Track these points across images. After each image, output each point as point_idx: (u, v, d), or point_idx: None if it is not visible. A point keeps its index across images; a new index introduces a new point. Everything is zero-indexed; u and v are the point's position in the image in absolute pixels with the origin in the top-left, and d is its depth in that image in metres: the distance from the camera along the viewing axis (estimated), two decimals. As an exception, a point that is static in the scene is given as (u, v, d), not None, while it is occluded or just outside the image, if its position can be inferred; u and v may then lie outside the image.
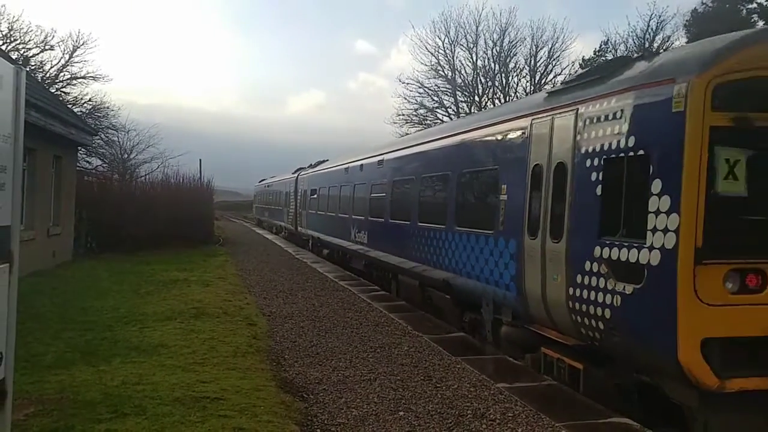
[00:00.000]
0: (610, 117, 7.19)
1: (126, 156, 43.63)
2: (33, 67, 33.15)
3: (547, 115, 8.57)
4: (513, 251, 9.01)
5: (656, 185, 6.33)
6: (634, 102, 6.90)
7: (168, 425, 5.76)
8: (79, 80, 37.39)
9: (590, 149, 7.47)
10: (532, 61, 42.83)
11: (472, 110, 43.79)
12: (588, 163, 7.47)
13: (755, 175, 6.07)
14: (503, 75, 43.68)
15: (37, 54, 35.05)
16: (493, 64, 43.65)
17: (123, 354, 8.31)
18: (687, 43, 36.50)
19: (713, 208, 6.00)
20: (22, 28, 34.22)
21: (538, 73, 42.82)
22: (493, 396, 7.30)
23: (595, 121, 7.48)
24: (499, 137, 9.98)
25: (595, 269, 7.12)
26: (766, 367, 6.04)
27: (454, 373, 8.22)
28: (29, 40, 34.34)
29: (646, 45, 37.92)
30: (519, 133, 9.26)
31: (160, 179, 33.26)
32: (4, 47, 30.26)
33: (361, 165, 18.96)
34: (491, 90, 43.88)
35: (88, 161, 36.24)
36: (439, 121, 44.52)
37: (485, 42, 43.50)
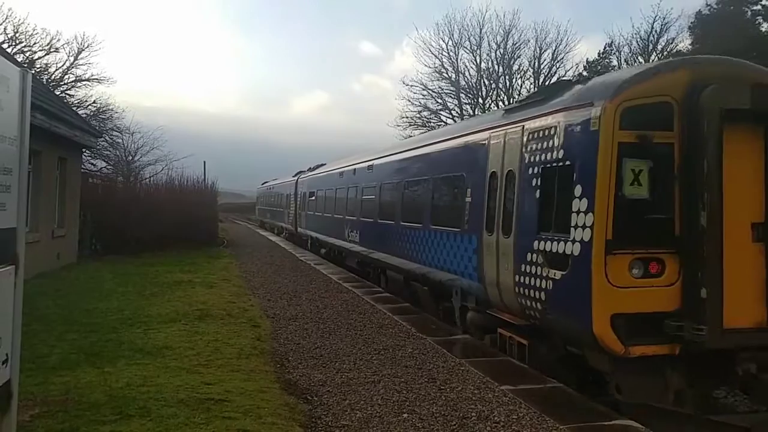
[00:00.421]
0: (547, 133, 8.62)
1: (130, 158, 43.73)
2: (38, 70, 33.25)
3: (501, 130, 10.07)
4: (475, 246, 10.47)
5: (577, 190, 7.72)
6: (564, 121, 8.31)
7: (172, 427, 5.77)
8: (84, 82, 37.51)
9: (532, 159, 8.91)
10: (536, 64, 42.87)
11: (476, 112, 43.78)
12: (530, 170, 8.93)
13: (655, 181, 7.43)
14: (507, 77, 43.69)
15: (43, 56, 35.21)
16: (496, 67, 43.67)
17: (127, 356, 8.32)
18: (691, 45, 36.50)
19: (621, 209, 7.34)
20: (28, 31, 34.32)
21: (542, 75, 42.81)
22: (497, 398, 7.29)
23: (536, 135, 8.92)
24: (465, 148, 11.59)
25: (534, 259, 8.51)
26: (663, 336, 7.28)
27: (458, 376, 8.21)
28: (35, 43, 34.48)
29: (650, 47, 37.89)
30: (480, 144, 10.82)
31: (164, 181, 33.37)
32: (9, 50, 30.34)
33: (354, 169, 20.30)
34: (495, 92, 43.87)
35: (92, 163, 36.36)
36: (442, 123, 44.50)
37: (489, 44, 43.54)
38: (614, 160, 7.37)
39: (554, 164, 8.37)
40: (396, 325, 11.42)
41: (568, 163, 8.09)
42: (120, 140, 41.88)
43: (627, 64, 39.45)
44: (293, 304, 13.54)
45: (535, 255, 8.50)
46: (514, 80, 43.77)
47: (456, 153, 12.06)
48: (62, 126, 17.46)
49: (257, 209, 56.61)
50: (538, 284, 8.38)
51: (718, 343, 7.07)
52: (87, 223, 22.84)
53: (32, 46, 34.38)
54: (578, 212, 7.64)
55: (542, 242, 8.36)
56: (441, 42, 44.38)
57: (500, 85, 43.81)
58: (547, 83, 42.47)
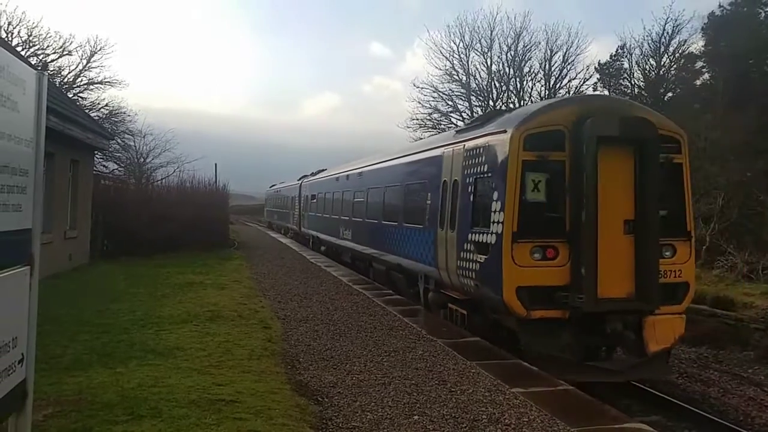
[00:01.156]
0: (478, 151, 11.17)
1: (142, 160, 43.92)
2: (51, 73, 33.48)
3: (450, 147, 12.71)
4: (432, 239, 13.00)
5: (495, 195, 10.20)
6: (488, 142, 10.86)
7: (184, 427, 5.80)
8: (96, 85, 37.74)
9: (469, 171, 11.45)
10: (547, 66, 42.64)
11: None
12: (467, 180, 11.46)
13: (550, 189, 9.90)
14: (518, 79, 43.52)
15: (56, 59, 35.43)
16: (507, 69, 43.48)
17: (139, 356, 8.37)
18: (704, 47, 36.28)
19: (524, 209, 9.79)
20: (41, 34, 34.59)
21: (553, 78, 42.61)
22: (507, 400, 7.28)
23: (472, 153, 11.44)
24: (427, 160, 14.18)
25: (469, 248, 10.98)
26: (555, 304, 9.60)
27: (469, 378, 8.21)
28: (48, 46, 34.72)
29: (662, 49, 37.63)
30: (437, 158, 13.34)
31: (175, 183, 33.50)
32: (23, 53, 30.60)
33: (347, 175, 22.93)
34: (506, 94, 43.70)
35: (104, 165, 36.58)
36: (453, 125, 44.43)
37: (500, 46, 43.32)
38: (519, 173, 9.84)
39: (481, 175, 10.98)
40: (406, 327, 11.42)
41: (489, 174, 10.67)
42: (132, 143, 42.09)
43: (638, 66, 39.30)
44: (304, 306, 13.57)
45: (469, 244, 11.01)
46: (524, 82, 43.62)
47: (421, 165, 14.71)
48: (75, 128, 17.58)
49: (266, 211, 59.28)
50: (471, 267, 10.92)
51: (593, 308, 9.49)
52: (99, 224, 22.97)
53: (45, 49, 34.65)
54: (495, 212, 10.14)
55: (474, 235, 10.87)
56: (452, 44, 44.30)
57: (511, 88, 43.67)
58: (558, 85, 42.41)
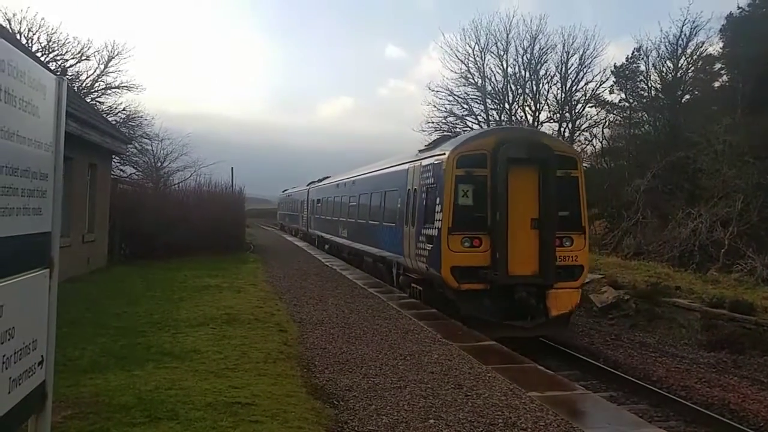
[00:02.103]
0: (429, 167, 14.62)
1: (159, 164, 44.20)
2: (70, 78, 33.84)
3: (413, 163, 16.20)
4: (401, 234, 16.35)
5: (437, 200, 13.64)
6: (434, 161, 14.38)
7: (200, 430, 5.82)
8: (114, 90, 38.06)
9: (423, 182, 14.92)
10: (563, 68, 42.47)
11: (502, 118, 43.54)
12: (422, 188, 14.94)
13: (476, 196, 13.26)
14: (534, 82, 43.39)
15: (74, 65, 35.82)
16: (523, 72, 43.37)
17: (156, 359, 8.42)
18: (722, 49, 35.98)
19: (457, 211, 13.21)
20: (60, 40, 34.98)
21: (569, 80, 42.44)
22: (524, 405, 7.24)
23: (425, 168, 14.91)
24: (399, 172, 17.43)
25: (422, 240, 14.47)
26: (479, 279, 12.99)
27: (485, 382, 8.17)
28: (66, 52, 35.09)
29: (679, 51, 37.35)
30: (405, 170, 16.76)
31: (192, 187, 33.70)
32: (43, 58, 30.97)
33: (344, 182, 26.53)
34: (521, 97, 43.60)
35: (122, 169, 36.82)
36: (468, 128, 44.35)
37: (516, 49, 43.24)
38: (453, 184, 13.27)
39: (430, 186, 14.40)
40: (422, 331, 11.40)
41: (434, 185, 14.11)
42: (149, 147, 42.36)
43: (655, 68, 39.04)
44: (319, 309, 13.59)
45: (423, 237, 14.53)
46: (541, 85, 43.49)
47: (394, 176, 17.95)
48: (93, 133, 17.75)
49: (278, 214, 62.80)
50: (423, 253, 14.42)
51: (505, 281, 12.90)
52: (116, 228, 23.16)
53: (64, 55, 35.02)
54: (437, 212, 13.63)
55: (425, 229, 14.39)
56: (467, 47, 44.28)
57: (527, 91, 43.54)
58: (574, 88, 42.26)
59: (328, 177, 33.94)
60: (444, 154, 13.95)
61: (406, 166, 16.91)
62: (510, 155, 13.12)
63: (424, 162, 15.14)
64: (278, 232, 55.38)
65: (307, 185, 39.79)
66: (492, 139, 13.72)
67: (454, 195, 13.28)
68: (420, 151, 16.93)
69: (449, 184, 13.31)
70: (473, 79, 43.84)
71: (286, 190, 56.44)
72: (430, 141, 18.21)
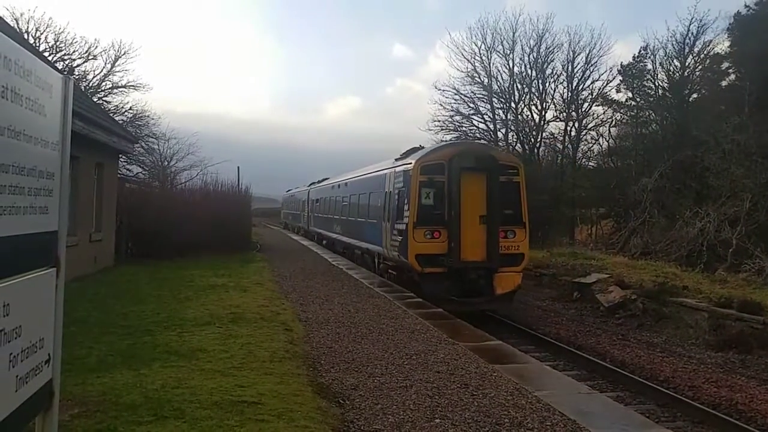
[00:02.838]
0: (400, 173, 17.52)
1: (166, 163, 44.35)
2: (77, 77, 33.95)
3: (389, 169, 19.14)
4: (380, 229, 19.32)
5: (406, 201, 16.45)
6: (404, 169, 17.33)
7: (207, 429, 5.83)
8: (121, 89, 38.17)
9: (396, 186, 17.74)
10: (570, 67, 42.27)
11: (508, 117, 43.42)
12: (396, 191, 17.84)
13: (436, 198, 16.11)
14: (540, 81, 43.18)
15: (81, 64, 35.94)
16: (529, 71, 43.12)
17: (163, 358, 8.43)
18: (729, 48, 35.80)
19: (421, 209, 16.07)
20: (68, 39, 35.10)
21: (576, 79, 42.25)
22: (530, 404, 7.22)
23: (398, 174, 17.79)
24: (380, 176, 20.30)
25: (395, 233, 17.42)
26: (438, 264, 15.83)
27: (491, 381, 8.16)
28: (74, 51, 35.23)
29: (686, 50, 37.15)
30: (384, 175, 19.67)
31: (199, 187, 33.78)
32: (50, 58, 31.08)
33: (338, 184, 29.59)
34: (528, 96, 43.38)
35: (128, 169, 36.96)
36: (474, 128, 44.30)
37: (522, 48, 43.01)
38: (418, 188, 16.30)
39: (401, 189, 17.36)
40: (427, 331, 11.40)
41: (404, 188, 17.10)
42: (156, 146, 42.52)
43: (662, 67, 38.84)
44: (325, 308, 13.60)
45: (395, 231, 17.57)
46: (547, 84, 43.25)
47: (376, 179, 20.82)
48: (100, 132, 17.80)
49: (282, 213, 65.47)
50: (396, 244, 17.52)
51: (458, 266, 15.95)
52: (123, 227, 23.23)
53: (71, 54, 35.16)
54: (406, 211, 16.65)
55: (397, 224, 17.36)
56: (473, 46, 44.08)
57: (533, 90, 43.34)
58: (581, 87, 42.10)
59: (327, 178, 36.50)
60: (411, 163, 17.15)
61: (385, 172, 19.82)
62: (462, 165, 16.32)
63: (398, 169, 18.28)
64: (285, 231, 55.53)
65: (308, 186, 42.57)
66: (448, 151, 17.04)
67: (418, 196, 16.39)
68: (396, 159, 19.83)
69: (414, 188, 16.45)
70: (479, 78, 43.71)
71: (289, 190, 59.06)
72: (404, 151, 20.73)
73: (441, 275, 16.07)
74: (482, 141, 41.41)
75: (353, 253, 25.45)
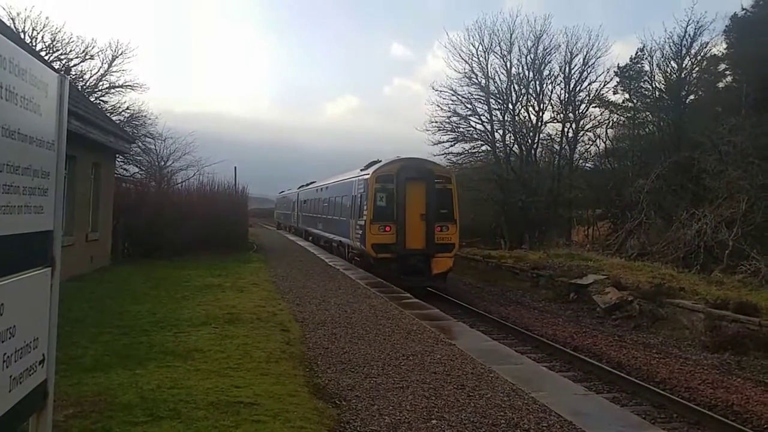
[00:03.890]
0: (363, 181, 22.39)
1: (163, 163, 44.25)
2: (74, 77, 33.87)
3: (356, 177, 23.90)
4: (349, 225, 24.22)
5: (366, 203, 21.59)
6: (365, 178, 22.27)
7: (202, 429, 5.82)
8: (118, 89, 38.06)
9: (359, 190, 22.72)
10: (567, 69, 42.30)
11: (506, 118, 43.44)
12: (359, 195, 22.83)
13: (388, 200, 21.22)
14: (537, 82, 43.20)
15: (78, 64, 35.80)
16: (527, 72, 43.12)
17: (158, 358, 8.42)
18: (726, 50, 35.89)
19: (376, 209, 21.23)
20: (64, 39, 35.01)
21: (573, 81, 42.28)
22: (526, 405, 7.22)
23: (361, 181, 22.69)
24: (349, 182, 25.11)
25: (358, 227, 22.36)
26: (389, 251, 20.79)
27: (488, 382, 8.15)
28: (71, 51, 35.08)
29: (683, 51, 37.20)
30: (352, 182, 24.37)
31: (196, 187, 33.72)
32: (47, 57, 31.00)
33: (321, 187, 34.61)
34: (525, 98, 43.38)
35: (125, 168, 36.86)
36: (472, 129, 44.33)
37: (519, 49, 43.01)
38: (373, 193, 21.06)
39: (363, 193, 21.87)
40: (424, 331, 11.39)
41: (365, 193, 21.60)
42: (152, 146, 42.41)
43: (659, 69, 38.93)
44: (322, 309, 13.58)
45: (358, 226, 22.17)
46: (544, 85, 43.26)
47: (346, 184, 25.96)
48: (96, 132, 17.76)
49: (275, 213, 69.19)
50: (358, 236, 22.11)
51: (403, 253, 20.73)
52: (120, 227, 23.18)
53: (68, 54, 34.99)
54: (365, 210, 21.31)
55: (359, 221, 21.92)
56: (471, 47, 44.05)
57: (530, 91, 43.34)
58: (578, 88, 42.15)
59: (313, 182, 40.62)
60: (369, 174, 22.03)
61: (352, 179, 24.99)
62: (407, 176, 21.32)
63: (360, 178, 23.27)
64: (280, 231, 55.55)
65: (298, 188, 47.30)
66: (396, 165, 21.88)
67: (374, 199, 21.29)
68: (360, 170, 24.55)
69: (371, 193, 21.33)
70: (477, 78, 43.68)
71: (282, 192, 63.24)
72: (367, 163, 24.81)
73: (391, 259, 20.95)
74: (482, 142, 41.60)
75: (331, 245, 29.81)
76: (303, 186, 44.43)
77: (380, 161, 23.83)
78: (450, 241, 21.24)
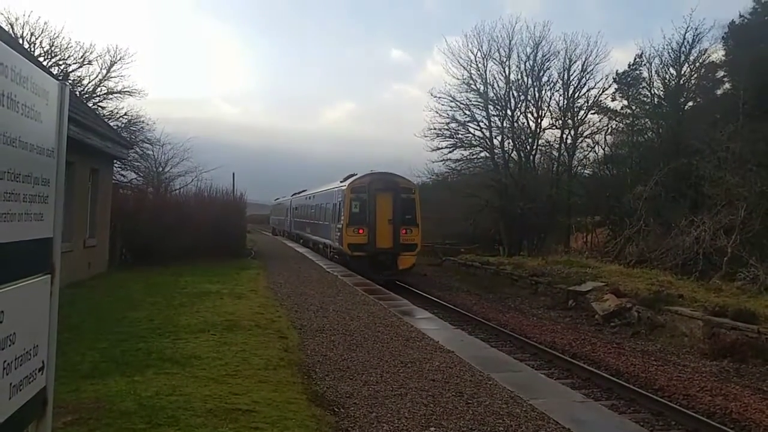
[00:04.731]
0: (340, 191, 27.02)
1: (161, 169, 44.23)
2: (72, 82, 33.87)
3: (336, 188, 28.78)
4: (330, 228, 28.85)
5: (343, 210, 25.98)
6: (343, 188, 26.86)
7: (201, 437, 5.80)
8: (116, 95, 38.05)
9: (338, 199, 27.29)
10: (566, 75, 42.38)
11: (504, 125, 43.50)
12: (338, 202, 27.24)
13: (362, 208, 25.66)
14: (536, 89, 43.28)
15: (76, 69, 35.83)
16: (525, 78, 43.18)
17: (157, 365, 8.40)
18: (724, 56, 36.06)
19: (351, 215, 25.95)
20: (63, 44, 34.98)
21: (572, 87, 42.37)
22: (525, 413, 7.21)
23: (338, 191, 27.52)
24: (331, 192, 29.87)
25: (338, 230, 26.65)
26: (362, 250, 25.19)
27: (486, 389, 8.15)
28: (69, 56, 35.11)
29: (682, 58, 37.33)
30: (333, 192, 29.14)
31: (193, 192, 33.72)
32: (45, 63, 31.03)
33: (309, 195, 38.67)
34: (524, 104, 43.45)
35: (123, 174, 36.81)
36: (470, 135, 44.38)
37: (518, 56, 43.11)
38: (349, 202, 25.56)
39: (341, 201, 26.24)
40: (423, 338, 11.38)
41: (342, 201, 26.03)
42: (150, 152, 42.36)
43: (658, 75, 39.06)
44: (320, 316, 13.57)
45: (337, 229, 26.61)
46: (543, 92, 43.35)
47: (329, 194, 30.17)
48: (94, 137, 17.76)
49: (270, 219, 72.04)
50: (337, 237, 26.58)
51: (374, 252, 25.14)
52: (117, 233, 23.16)
53: (66, 59, 35.02)
54: (342, 216, 25.76)
55: (338, 225, 26.49)
56: (470, 53, 44.08)
57: (529, 97, 43.43)
58: (577, 95, 42.26)
59: (304, 190, 44.12)
60: (346, 185, 26.39)
61: (333, 189, 29.42)
62: (376, 187, 25.65)
63: (339, 189, 27.58)
64: (278, 237, 55.58)
65: (291, 195, 50.69)
66: (368, 179, 26.30)
67: (350, 207, 25.58)
68: (340, 181, 28.61)
69: (347, 201, 25.65)
70: (475, 85, 43.72)
71: (277, 199, 66.75)
72: (345, 176, 28.84)
73: (363, 257, 25.10)
74: (481, 148, 41.87)
75: (318, 246, 33.83)
76: (295, 194, 47.90)
77: (356, 174, 27.79)
78: (413, 242, 25.54)
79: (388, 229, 25.05)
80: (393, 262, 25.02)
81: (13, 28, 31.89)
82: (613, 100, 42.08)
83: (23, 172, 3.31)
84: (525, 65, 42.96)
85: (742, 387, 12.03)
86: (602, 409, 8.47)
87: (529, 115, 43.55)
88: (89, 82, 36.99)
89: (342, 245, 25.53)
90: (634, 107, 41.27)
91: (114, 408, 6.48)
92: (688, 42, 36.77)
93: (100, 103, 36.87)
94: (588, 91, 42.33)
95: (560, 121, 42.92)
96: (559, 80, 42.78)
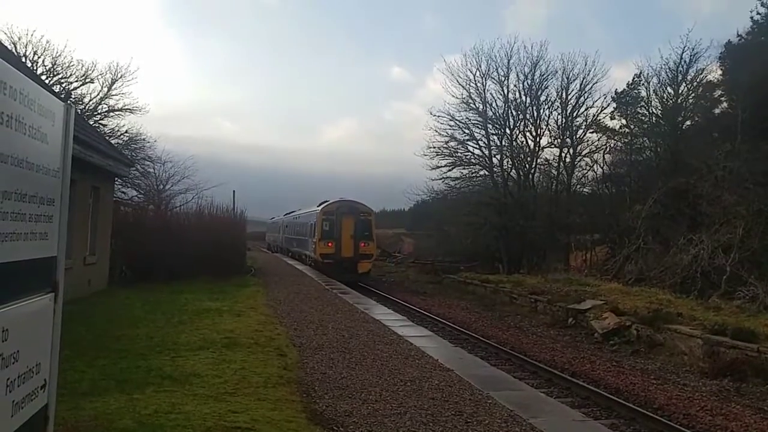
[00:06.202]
0: (315, 214, 36.18)
1: (161, 187, 44.24)
2: (74, 100, 34.03)
3: (313, 211, 37.07)
4: (309, 242, 36.60)
5: (317, 228, 34.27)
6: (317, 211, 35.39)
7: (200, 455, 5.80)
8: (117, 112, 38.18)
9: (314, 220, 35.34)
10: (564, 94, 42.67)
11: (503, 143, 43.72)
12: (314, 222, 35.30)
13: (331, 227, 33.67)
14: (535, 108, 43.57)
15: (78, 87, 36.01)
16: (524, 97, 43.51)
17: (156, 383, 8.41)
18: (722, 76, 36.31)
19: (323, 232, 33.76)
20: (65, 63, 35.19)
21: (570, 106, 42.64)
22: (524, 432, 7.21)
23: (314, 214, 36.47)
24: (311, 214, 37.28)
25: (314, 243, 34.53)
26: (331, 258, 33.01)
27: (485, 408, 8.15)
28: (71, 74, 35.30)
29: (679, 78, 37.61)
30: (312, 214, 36.55)
31: (194, 210, 33.74)
32: (47, 81, 31.21)
33: (296, 215, 46.17)
34: (522, 123, 43.70)
35: (124, 192, 36.83)
36: (470, 154, 44.63)
37: (516, 75, 43.46)
38: (321, 222, 33.81)
39: (315, 222, 34.84)
40: (422, 357, 11.38)
41: (316, 222, 34.55)
42: (151, 169, 42.40)
43: (656, 94, 39.32)
44: (319, 333, 13.57)
45: (312, 242, 35.04)
46: (541, 111, 43.63)
47: (309, 215, 38.22)
48: (96, 155, 17.85)
49: (267, 236, 76.86)
50: (313, 249, 34.82)
51: (340, 259, 32.74)
52: (118, 250, 23.17)
53: (68, 78, 35.20)
54: (316, 233, 34.16)
55: (313, 239, 34.87)
56: (468, 72, 44.44)
57: (528, 116, 43.69)
58: (575, 114, 42.53)
59: (293, 211, 50.57)
60: (319, 210, 34.33)
61: (311, 212, 37.02)
62: (342, 211, 33.17)
63: (315, 211, 35.18)
64: (277, 254, 55.61)
65: (284, 215, 56.66)
66: (336, 204, 33.95)
67: (321, 226, 33.24)
68: (317, 206, 35.91)
69: (320, 222, 33.37)
70: (474, 104, 44.00)
71: (273, 218, 72.42)
72: (320, 202, 36.22)
73: (332, 263, 32.17)
74: (480, 167, 42.16)
75: (300, 256, 41.23)
76: (287, 214, 55.23)
77: (328, 201, 35.78)
78: (370, 252, 33.87)
79: (350, 242, 32.84)
80: (354, 267, 32.55)
81: (16, 48, 32.11)
82: (612, 119, 42.37)
83: (29, 192, 3.38)
84: (523, 84, 43.33)
85: (743, 407, 12.00)
86: (602, 428, 8.47)
87: (528, 134, 43.83)
88: (90, 100, 37.16)
89: (316, 254, 33.84)
90: (632, 126, 41.51)
91: (113, 426, 6.49)
92: (685, 62, 37.11)
93: (101, 121, 37.01)
94: (586, 110, 42.68)
95: (559, 140, 43.18)
96: (557, 99, 43.13)
